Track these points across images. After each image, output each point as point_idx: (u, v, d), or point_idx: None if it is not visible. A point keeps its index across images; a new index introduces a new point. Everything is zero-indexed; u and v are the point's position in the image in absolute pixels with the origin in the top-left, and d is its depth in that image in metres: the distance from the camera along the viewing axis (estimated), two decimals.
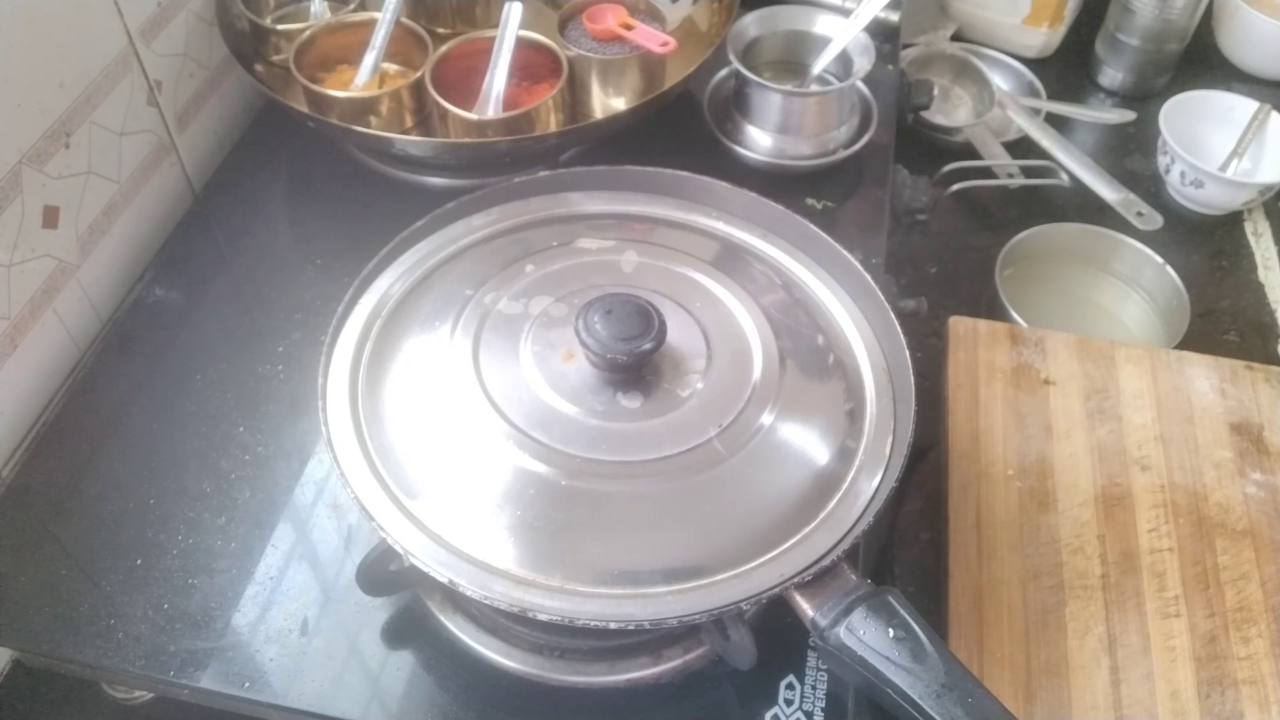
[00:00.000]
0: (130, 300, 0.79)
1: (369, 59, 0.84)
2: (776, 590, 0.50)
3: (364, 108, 0.83)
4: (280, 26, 0.89)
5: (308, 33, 0.85)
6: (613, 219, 0.68)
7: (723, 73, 0.92)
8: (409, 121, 0.85)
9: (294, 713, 0.59)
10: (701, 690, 0.60)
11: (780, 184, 0.85)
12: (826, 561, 0.51)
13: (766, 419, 0.55)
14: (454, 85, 0.83)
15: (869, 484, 0.55)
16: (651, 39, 0.84)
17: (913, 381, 0.58)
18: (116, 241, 0.80)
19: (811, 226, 0.66)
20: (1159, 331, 0.98)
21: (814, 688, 0.60)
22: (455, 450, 0.55)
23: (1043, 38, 1.25)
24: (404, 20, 0.86)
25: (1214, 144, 1.11)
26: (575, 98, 0.87)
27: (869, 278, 0.63)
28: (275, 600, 0.62)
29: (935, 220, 1.07)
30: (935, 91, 1.05)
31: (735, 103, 0.89)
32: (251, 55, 0.89)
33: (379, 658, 0.61)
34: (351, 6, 0.89)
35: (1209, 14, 1.24)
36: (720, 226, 0.68)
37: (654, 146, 0.80)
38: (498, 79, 0.83)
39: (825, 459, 0.56)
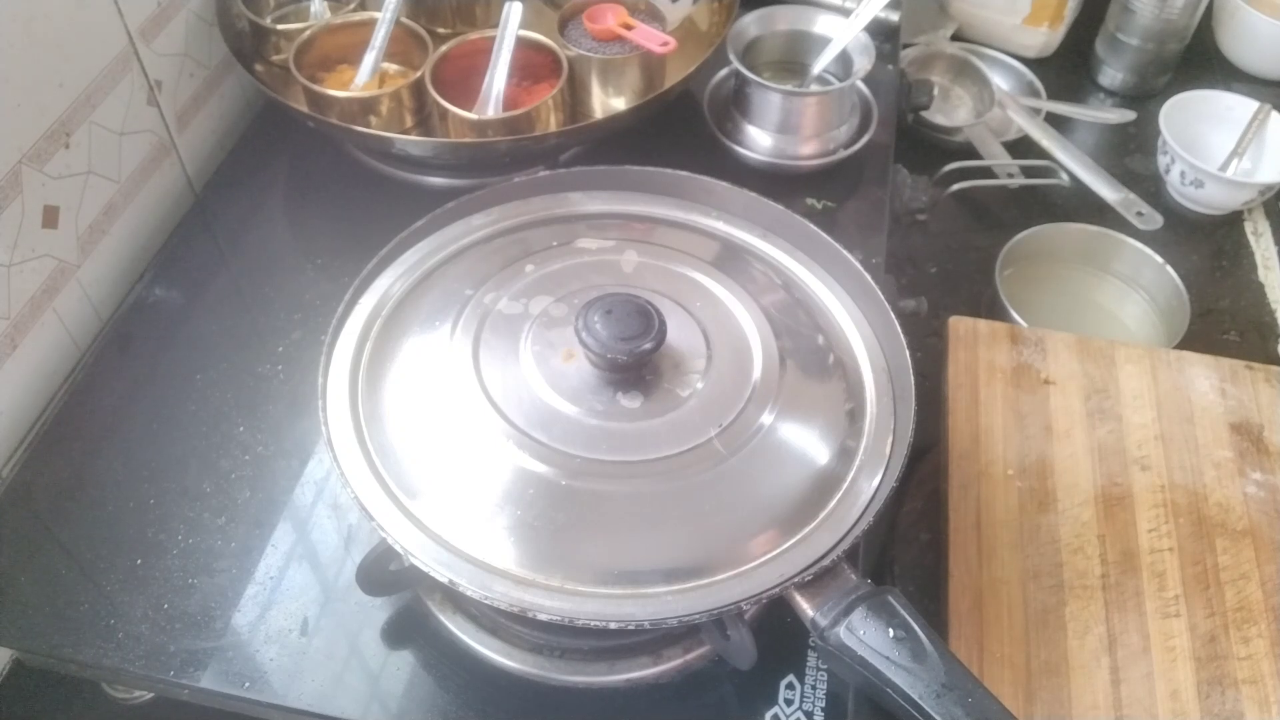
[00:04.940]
0: (130, 300, 0.79)
1: (369, 59, 0.84)
2: (776, 590, 0.50)
3: (364, 108, 0.83)
4: (280, 26, 0.89)
5: (308, 33, 0.85)
6: (613, 219, 0.68)
7: (723, 73, 0.92)
8: (409, 121, 0.85)
9: (294, 713, 0.59)
10: (701, 690, 0.60)
11: (780, 184, 0.85)
12: (826, 561, 0.51)
13: (766, 419, 0.55)
14: (454, 85, 0.83)
15: (869, 484, 0.55)
16: (651, 39, 0.84)
17: (913, 381, 0.58)
18: (116, 241, 0.80)
19: (811, 226, 0.66)
20: (1159, 331, 0.98)
21: (814, 688, 0.60)
22: (455, 450, 0.55)
23: (1043, 38, 1.25)
24: (404, 20, 0.86)
25: (1214, 144, 1.10)
26: (575, 98, 0.87)
27: (869, 278, 0.63)
28: (275, 600, 0.62)
29: (935, 220, 1.07)
30: (935, 91, 1.05)
31: (735, 103, 0.89)
32: (251, 55, 0.89)
33: (379, 658, 0.61)
34: (351, 6, 0.89)
35: (1209, 14, 1.24)
36: (720, 226, 0.68)
37: (654, 146, 0.80)
38: (498, 79, 0.83)
39: (825, 459, 0.56)
